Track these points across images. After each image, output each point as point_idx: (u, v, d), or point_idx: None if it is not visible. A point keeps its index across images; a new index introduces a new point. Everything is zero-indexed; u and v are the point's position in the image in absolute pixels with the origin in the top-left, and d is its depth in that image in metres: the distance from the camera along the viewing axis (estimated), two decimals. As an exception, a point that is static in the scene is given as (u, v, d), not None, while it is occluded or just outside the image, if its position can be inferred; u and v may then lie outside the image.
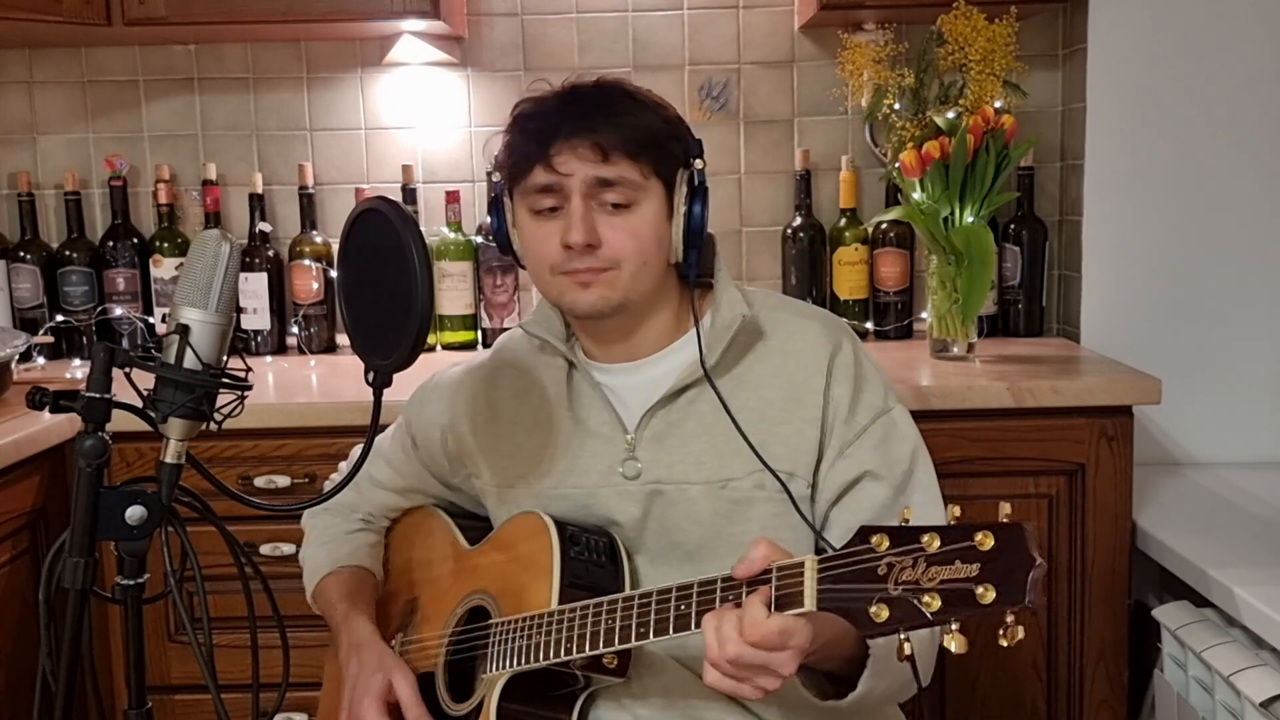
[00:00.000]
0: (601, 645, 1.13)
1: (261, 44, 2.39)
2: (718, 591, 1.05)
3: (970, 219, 1.96)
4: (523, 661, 1.19)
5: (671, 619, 1.08)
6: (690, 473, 1.27)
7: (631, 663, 1.21)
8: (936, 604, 0.87)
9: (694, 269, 1.28)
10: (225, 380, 1.05)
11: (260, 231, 2.34)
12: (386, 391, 1.13)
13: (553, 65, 2.40)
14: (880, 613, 0.90)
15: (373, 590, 1.47)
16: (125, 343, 2.32)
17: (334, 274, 2.33)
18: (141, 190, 2.43)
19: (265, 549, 1.87)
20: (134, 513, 1.03)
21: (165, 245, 2.34)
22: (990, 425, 1.83)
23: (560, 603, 1.20)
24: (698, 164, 1.26)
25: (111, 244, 2.35)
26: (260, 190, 2.36)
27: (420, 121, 2.42)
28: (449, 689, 1.32)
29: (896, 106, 2.01)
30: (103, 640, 1.85)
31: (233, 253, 1.05)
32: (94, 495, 1.02)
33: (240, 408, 1.07)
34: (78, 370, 2.21)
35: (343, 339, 2.35)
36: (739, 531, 1.26)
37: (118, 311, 2.34)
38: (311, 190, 2.37)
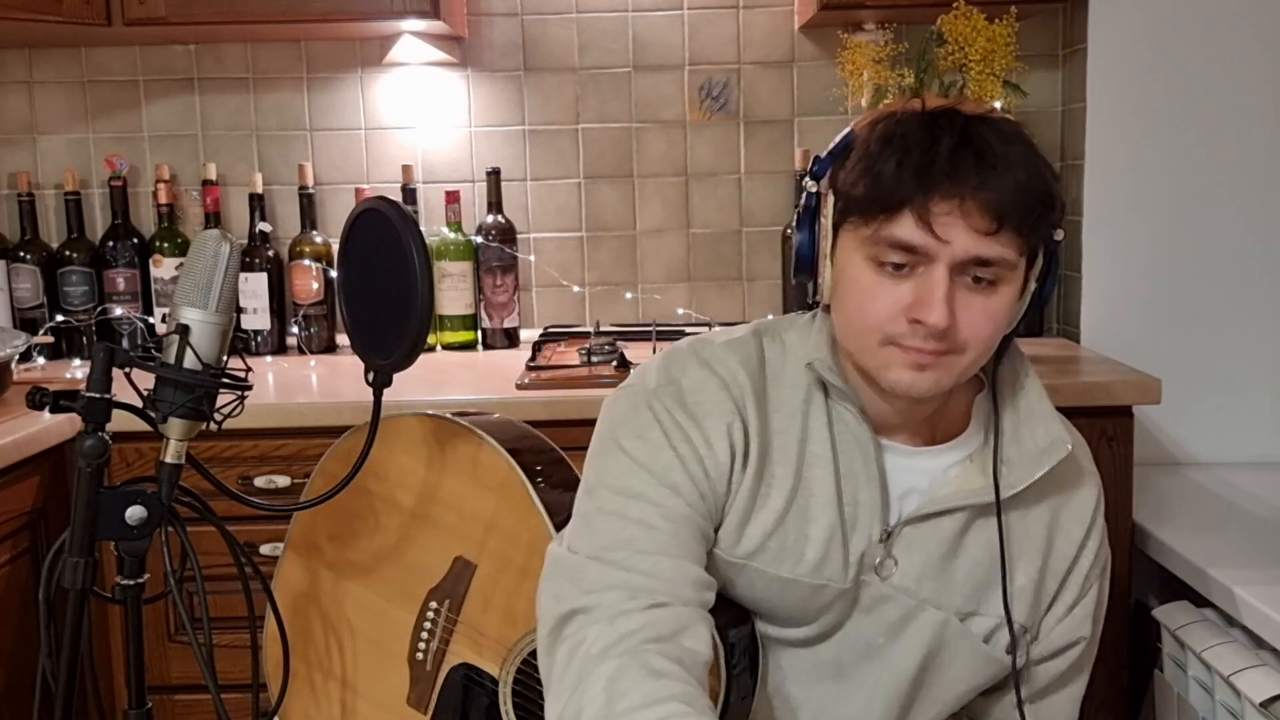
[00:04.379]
0: None
1: (261, 44, 2.39)
2: None
3: (970, 219, 1.96)
4: None
5: None
6: (939, 592, 1.11)
7: None
8: None
9: (1007, 351, 1.14)
10: (225, 380, 1.05)
11: (260, 231, 2.34)
12: (386, 391, 1.13)
13: (553, 65, 2.40)
14: None
15: None
16: (125, 343, 2.32)
17: (334, 274, 2.33)
18: (141, 190, 2.43)
19: (265, 549, 1.87)
20: (134, 513, 1.03)
21: (165, 245, 2.34)
22: (990, 425, 1.83)
23: None
24: (1059, 234, 1.07)
25: (111, 244, 2.35)
26: (260, 190, 2.35)
27: (420, 121, 2.42)
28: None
29: (896, 106, 2.01)
30: (103, 640, 1.85)
31: (233, 253, 1.05)
32: (94, 495, 1.02)
33: (240, 408, 1.07)
34: (78, 370, 2.21)
35: (343, 339, 2.35)
36: (941, 668, 1.14)
37: (118, 311, 2.34)
38: (311, 190, 2.37)
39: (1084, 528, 1.15)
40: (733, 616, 1.13)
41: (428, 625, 1.28)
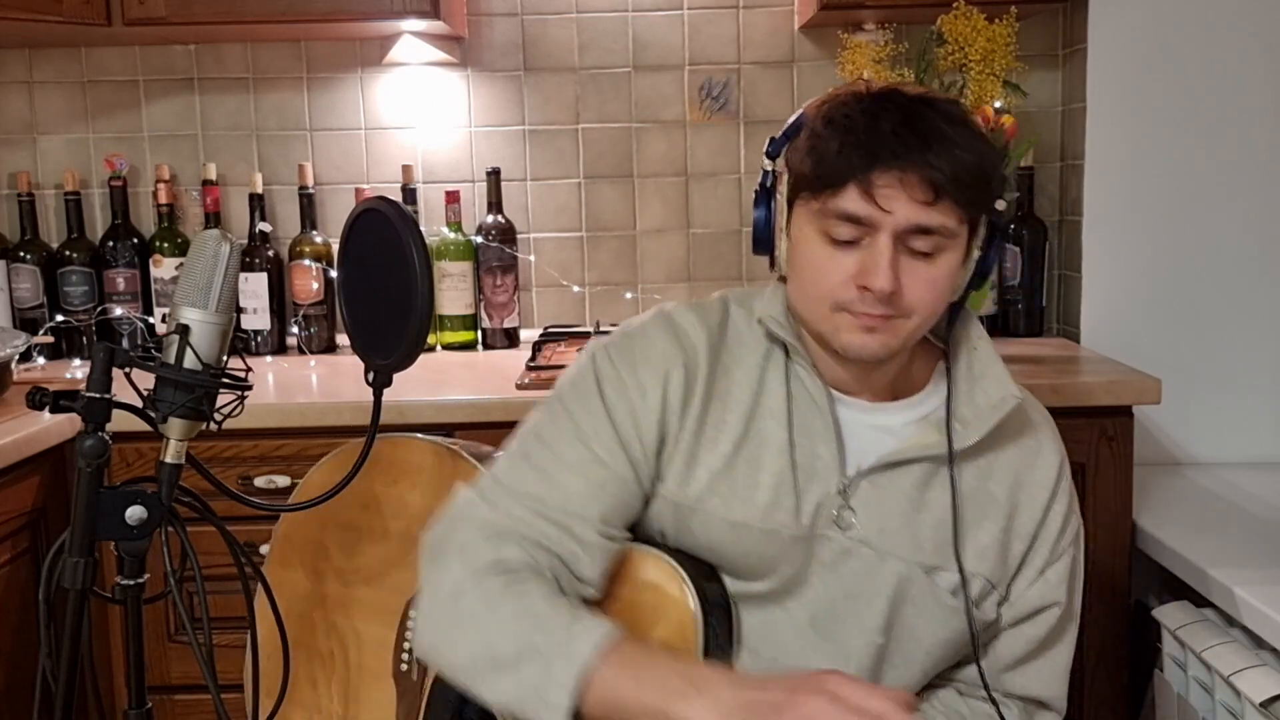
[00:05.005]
0: None
1: (261, 44, 2.39)
2: None
3: (970, 219, 1.96)
4: None
5: None
6: (902, 546, 1.15)
7: None
8: None
9: (958, 317, 1.21)
10: (225, 380, 1.05)
11: (260, 231, 2.34)
12: (386, 391, 1.13)
13: (553, 65, 2.40)
14: None
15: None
16: (125, 343, 2.32)
17: (334, 274, 2.33)
18: (141, 190, 2.43)
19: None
20: (134, 513, 1.03)
21: (165, 245, 2.34)
22: (990, 425, 1.83)
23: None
24: (1000, 204, 1.14)
25: (111, 244, 2.35)
26: (260, 190, 2.35)
27: (420, 121, 2.42)
28: None
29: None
30: (103, 640, 1.85)
31: (233, 253, 1.05)
32: (94, 495, 1.02)
33: (240, 408, 1.07)
34: (78, 370, 2.21)
35: (343, 339, 2.35)
36: (907, 623, 1.16)
37: (118, 311, 2.34)
38: (311, 190, 2.37)
39: (1048, 491, 1.19)
40: (702, 571, 1.14)
41: (410, 635, 1.28)
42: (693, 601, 1.10)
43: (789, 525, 1.13)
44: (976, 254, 1.15)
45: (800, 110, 1.15)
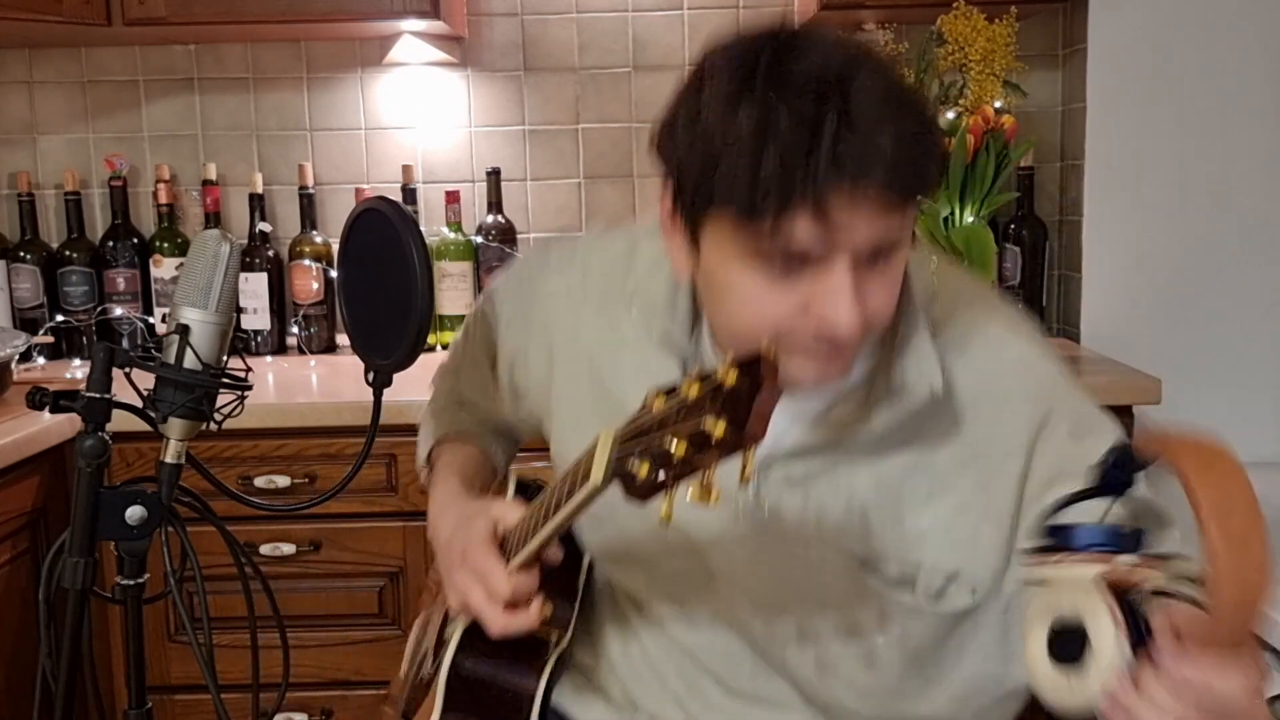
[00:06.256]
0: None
1: (261, 44, 2.39)
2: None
3: (970, 219, 1.96)
4: None
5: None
6: (836, 540, 1.00)
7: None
8: (682, 450, 0.73)
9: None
10: (225, 380, 1.05)
11: (260, 231, 2.34)
12: (386, 391, 1.13)
13: (553, 65, 2.40)
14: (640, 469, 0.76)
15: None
16: (125, 343, 2.32)
17: (334, 274, 2.33)
18: (141, 190, 2.43)
19: (265, 549, 1.87)
20: (134, 513, 1.03)
21: (165, 245, 2.34)
22: (990, 425, 1.83)
23: None
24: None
25: (111, 244, 2.35)
26: (260, 190, 2.36)
27: (420, 121, 2.42)
28: None
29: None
30: (103, 640, 1.85)
31: (233, 253, 1.05)
32: (94, 495, 1.02)
33: (240, 408, 1.07)
34: (78, 370, 2.21)
35: (343, 339, 2.35)
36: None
37: (118, 311, 2.34)
38: (311, 190, 2.37)
39: (1021, 460, 0.97)
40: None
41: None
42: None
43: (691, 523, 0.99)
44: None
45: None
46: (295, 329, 2.34)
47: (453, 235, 2.32)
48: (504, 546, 1.02)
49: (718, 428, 0.71)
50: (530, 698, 1.10)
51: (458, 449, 1.28)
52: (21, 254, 2.34)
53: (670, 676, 1.12)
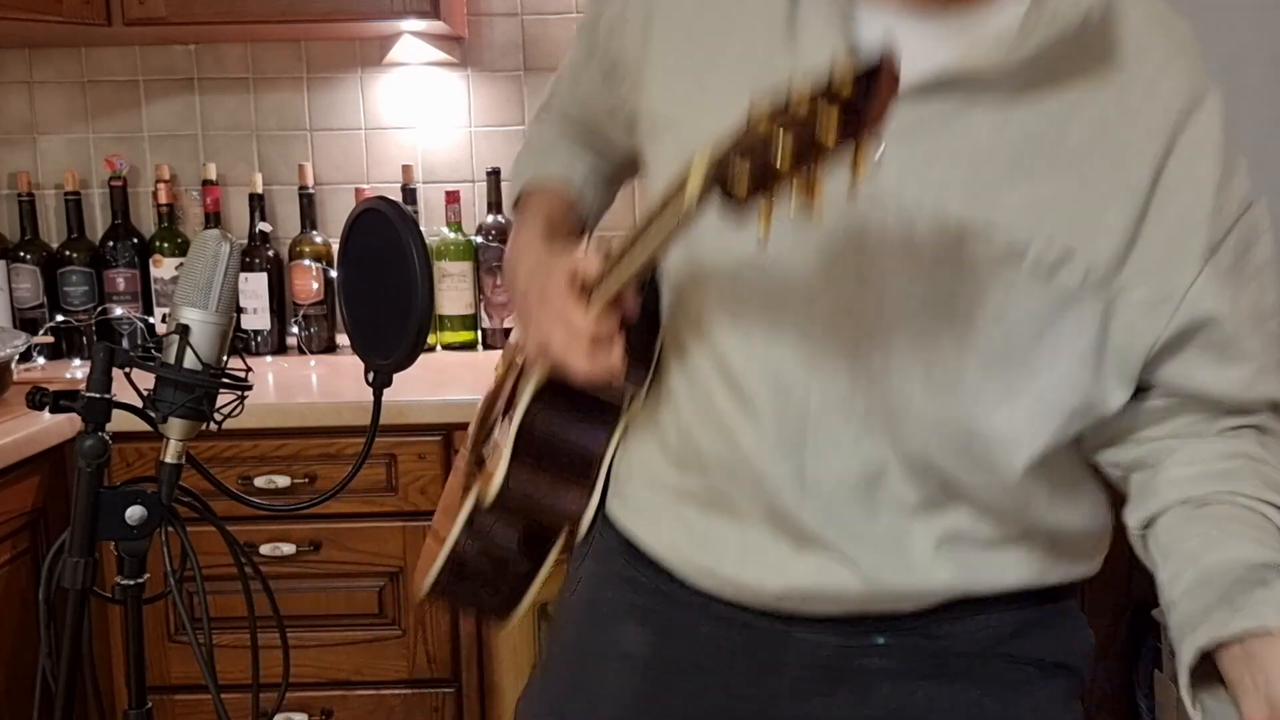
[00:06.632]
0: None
1: (261, 44, 2.39)
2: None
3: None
4: None
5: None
6: (938, 198, 0.87)
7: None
8: (788, 163, 0.67)
9: None
10: (225, 380, 1.05)
11: (260, 231, 2.34)
12: (386, 391, 1.13)
13: (553, 65, 2.39)
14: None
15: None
16: (125, 343, 2.32)
17: (334, 274, 2.33)
18: (141, 190, 2.43)
19: (265, 549, 1.87)
20: (134, 513, 1.03)
21: (165, 245, 2.34)
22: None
23: None
24: None
25: (111, 244, 2.35)
26: (260, 190, 2.36)
27: (420, 121, 2.42)
28: None
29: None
30: (103, 640, 1.85)
31: (233, 253, 1.05)
32: (94, 495, 1.02)
33: (240, 408, 1.07)
34: (78, 370, 2.21)
35: (343, 339, 2.35)
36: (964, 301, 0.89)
37: (118, 311, 2.34)
38: (311, 190, 2.37)
39: (1163, 140, 0.92)
40: None
41: None
42: None
43: None
44: None
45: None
46: (295, 329, 2.34)
47: (453, 235, 2.32)
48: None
49: (829, 138, 0.65)
50: (600, 457, 1.07)
51: (545, 196, 1.24)
52: (21, 254, 2.34)
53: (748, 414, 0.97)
